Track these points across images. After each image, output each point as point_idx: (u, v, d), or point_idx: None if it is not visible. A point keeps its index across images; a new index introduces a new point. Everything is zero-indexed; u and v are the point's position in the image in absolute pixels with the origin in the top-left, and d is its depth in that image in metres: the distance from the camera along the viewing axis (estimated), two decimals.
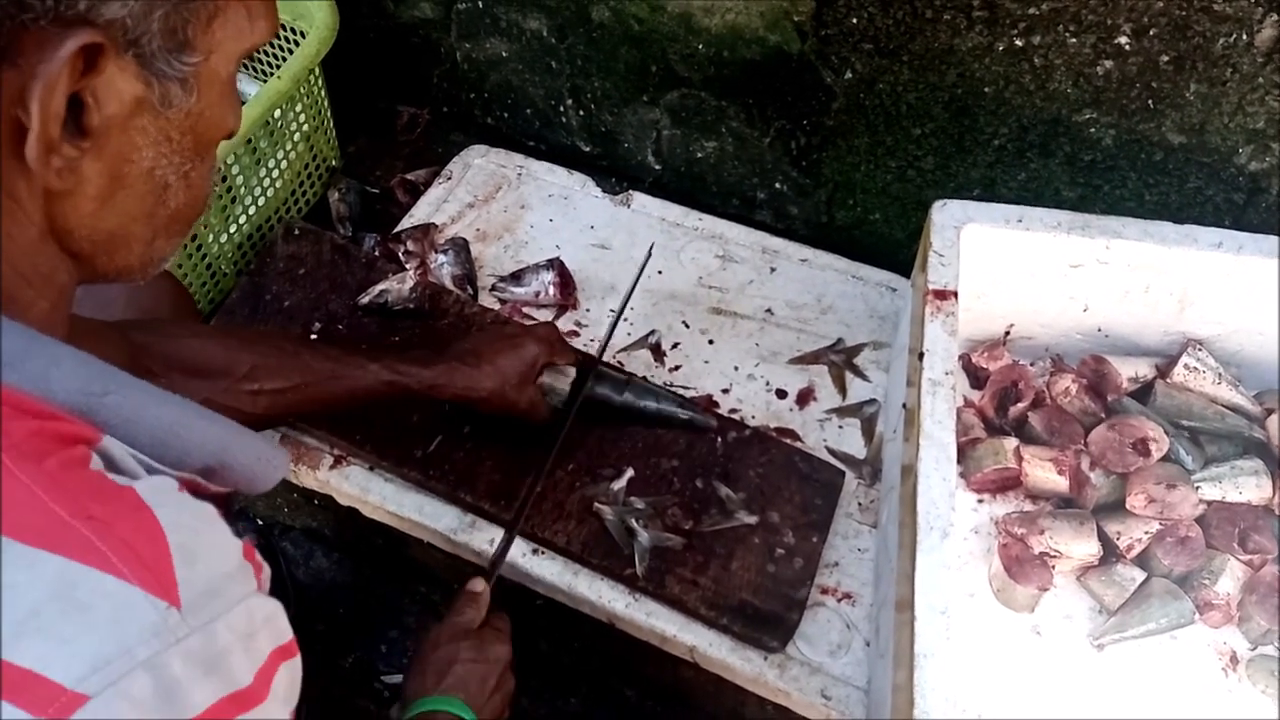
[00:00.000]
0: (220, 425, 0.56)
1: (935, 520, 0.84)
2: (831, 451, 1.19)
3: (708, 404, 1.23)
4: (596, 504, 1.10)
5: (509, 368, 1.06)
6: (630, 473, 1.13)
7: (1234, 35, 0.99)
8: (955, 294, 0.99)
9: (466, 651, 0.91)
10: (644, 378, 1.23)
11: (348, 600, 1.48)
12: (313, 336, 1.25)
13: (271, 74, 1.34)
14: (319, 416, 1.06)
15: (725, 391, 1.25)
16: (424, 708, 0.87)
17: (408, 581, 1.46)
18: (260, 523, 1.55)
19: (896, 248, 1.35)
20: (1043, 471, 1.05)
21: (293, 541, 1.53)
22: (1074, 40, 1.05)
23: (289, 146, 1.42)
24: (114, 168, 0.51)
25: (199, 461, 0.54)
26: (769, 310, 1.33)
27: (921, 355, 0.95)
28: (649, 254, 1.29)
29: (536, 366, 1.09)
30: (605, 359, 1.24)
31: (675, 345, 1.30)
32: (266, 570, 0.52)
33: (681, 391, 1.24)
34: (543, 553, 1.11)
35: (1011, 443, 1.06)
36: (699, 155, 1.43)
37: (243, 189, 1.38)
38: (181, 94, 0.51)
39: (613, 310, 1.34)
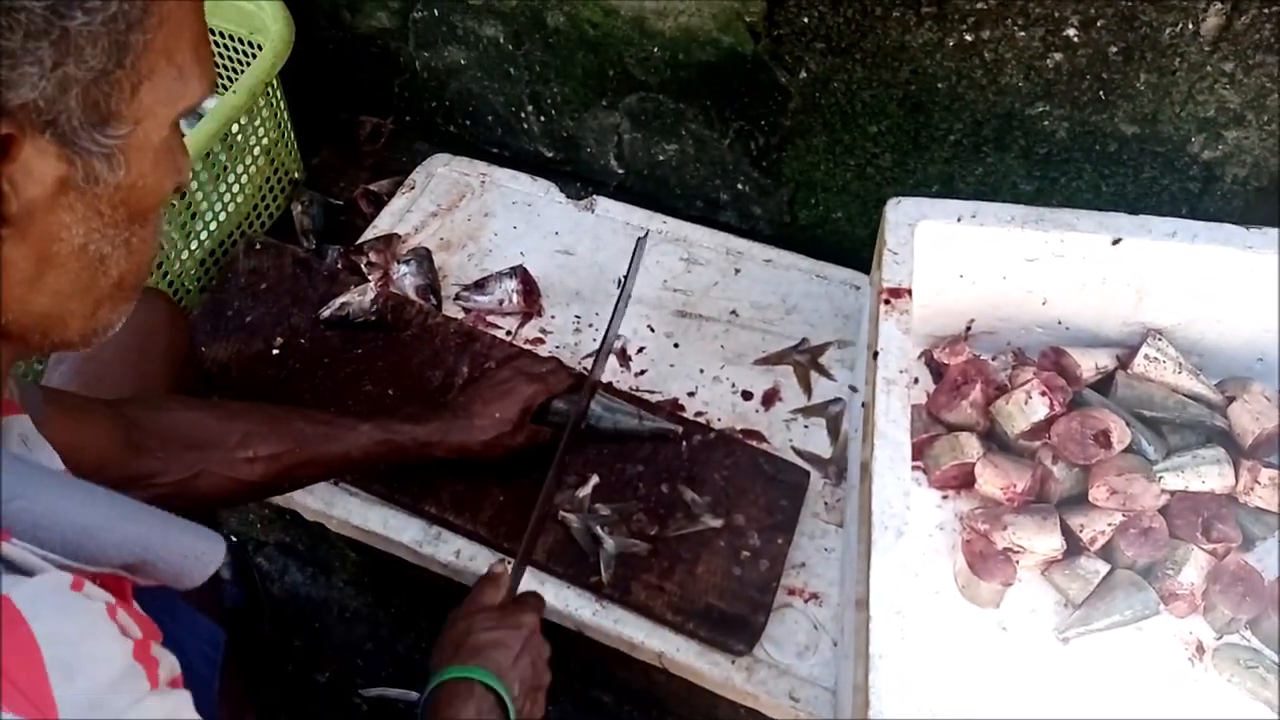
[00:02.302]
0: (144, 523, 0.54)
1: (890, 520, 0.84)
2: (797, 451, 1.19)
3: (673, 408, 1.23)
4: (562, 512, 1.10)
5: (504, 415, 1.06)
6: (595, 479, 1.13)
7: (1180, 24, 0.99)
8: (909, 292, 0.99)
9: (486, 621, 0.89)
10: (609, 383, 1.23)
11: (323, 615, 1.47)
12: (274, 352, 1.25)
13: (229, 87, 1.34)
14: (318, 480, 1.06)
15: (691, 395, 1.25)
16: (444, 677, 0.84)
17: (383, 595, 1.45)
18: (235, 539, 1.54)
19: (860, 245, 1.35)
20: (990, 489, 1.05)
21: (267, 557, 1.52)
22: (1023, 34, 1.05)
23: (249, 160, 1.42)
24: (41, 249, 0.49)
25: (118, 560, 0.52)
26: (734, 312, 1.33)
27: (876, 354, 0.95)
28: (638, 248, 1.18)
29: (533, 407, 1.08)
30: (573, 365, 1.24)
31: (641, 350, 1.30)
32: (168, 660, 0.50)
33: (647, 396, 1.24)
34: (509, 562, 1.10)
35: (970, 438, 1.06)
36: (660, 158, 1.43)
37: (203, 204, 1.37)
38: (108, 169, 0.49)
39: (578, 316, 1.33)
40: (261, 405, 1.03)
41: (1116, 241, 1.02)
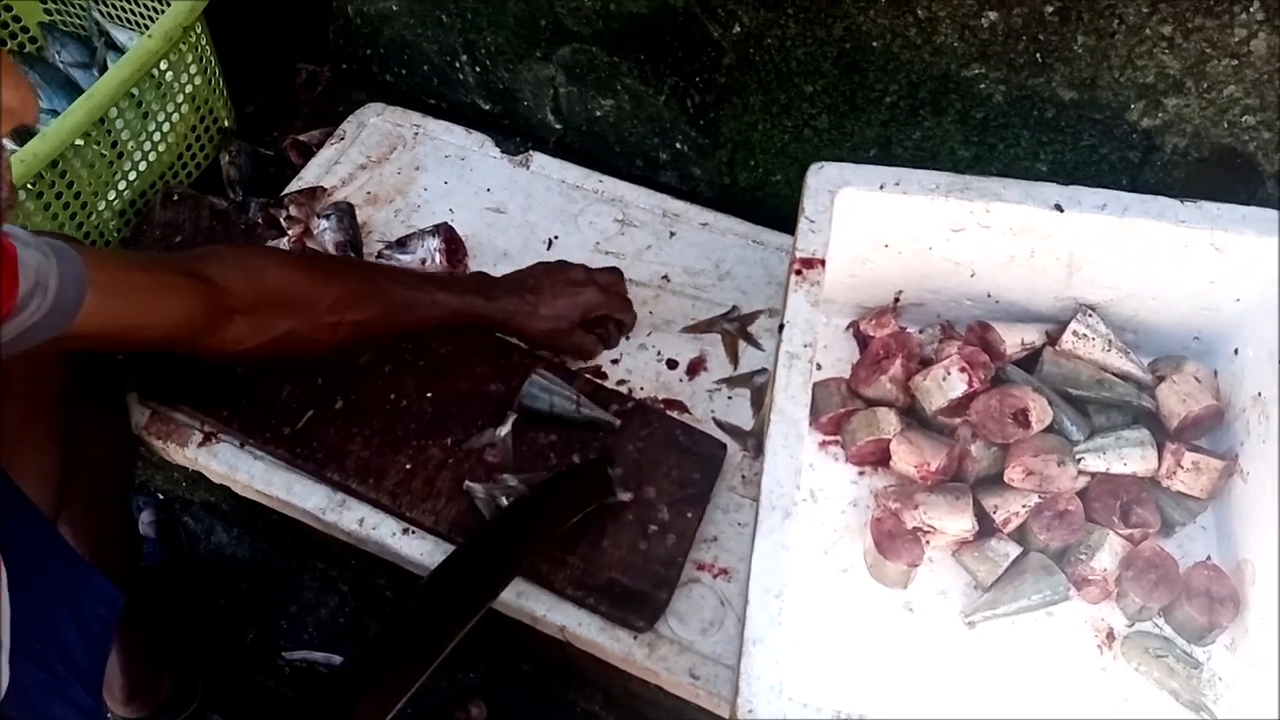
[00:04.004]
0: None
1: (778, 500, 0.81)
2: (719, 423, 1.15)
3: (595, 374, 1.19)
4: (467, 482, 1.07)
5: (565, 313, 1.11)
6: (514, 416, 1.10)
7: None
8: (823, 263, 0.94)
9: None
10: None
11: (248, 576, 1.45)
12: None
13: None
14: (386, 342, 1.12)
15: (615, 362, 1.21)
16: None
17: (307, 558, 1.43)
18: (161, 497, 1.51)
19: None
20: (905, 466, 1.02)
21: (193, 516, 1.50)
22: None
23: (172, 108, 1.37)
24: None
25: None
26: (665, 277, 1.29)
27: (782, 327, 0.91)
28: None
29: (591, 314, 1.14)
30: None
31: None
32: None
33: (569, 363, 1.20)
34: (413, 532, 1.07)
35: (887, 413, 1.03)
36: (598, 114, 1.38)
37: (130, 144, 1.32)
38: None
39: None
40: (353, 265, 1.13)
41: (1059, 208, 0.97)
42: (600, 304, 1.14)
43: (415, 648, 0.88)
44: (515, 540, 0.98)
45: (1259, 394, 0.98)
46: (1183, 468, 1.00)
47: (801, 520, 1.00)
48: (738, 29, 1.15)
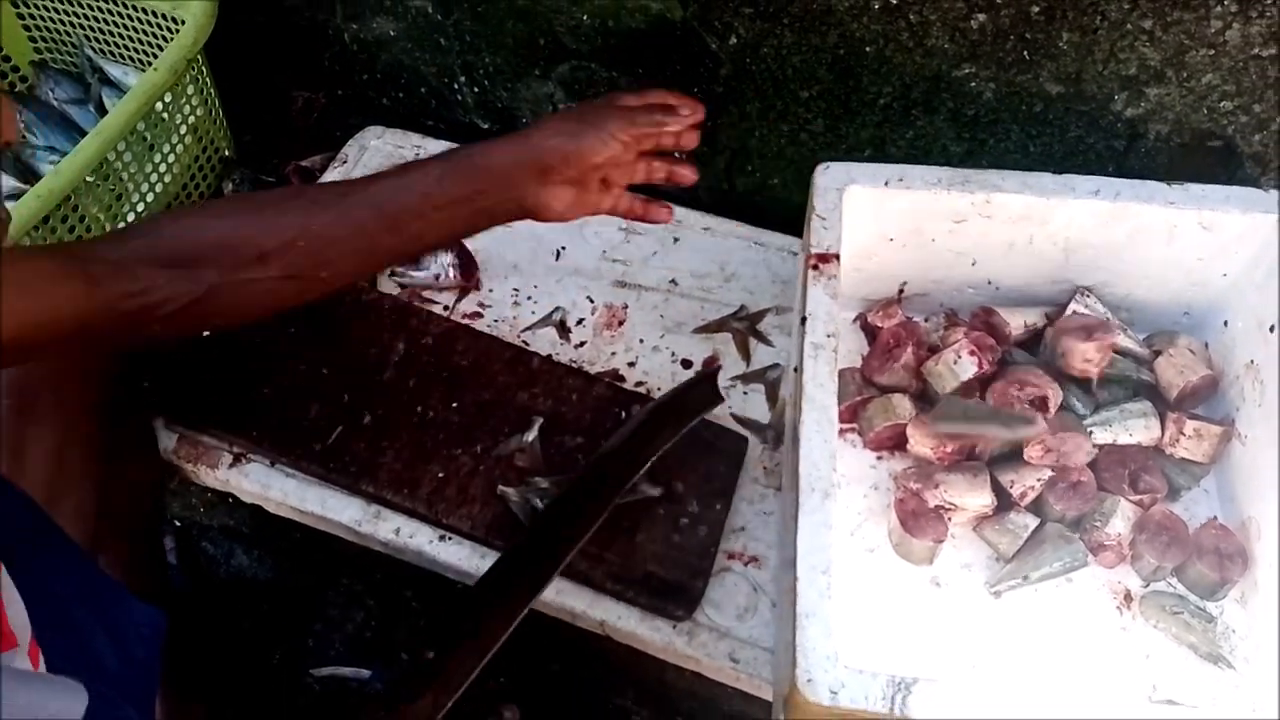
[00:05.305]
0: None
1: (816, 482, 0.85)
2: (736, 418, 1.19)
3: (613, 378, 1.23)
4: (500, 486, 1.10)
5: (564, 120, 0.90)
6: (540, 420, 1.14)
7: None
8: (837, 257, 0.99)
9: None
10: (549, 355, 1.22)
11: (271, 596, 1.46)
12: (204, 332, 1.22)
13: (152, 64, 1.30)
14: (363, 264, 0.86)
15: (631, 365, 1.25)
16: None
17: (329, 574, 1.44)
18: (178, 524, 1.52)
19: (797, 211, 1.32)
20: (922, 448, 1.06)
21: (212, 541, 1.51)
22: None
23: (175, 139, 1.39)
24: None
25: None
26: (673, 281, 1.33)
27: (804, 319, 0.95)
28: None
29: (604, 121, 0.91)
30: (513, 338, 1.24)
31: (580, 321, 1.29)
32: None
33: (587, 368, 1.24)
34: (449, 539, 1.10)
35: (902, 399, 1.07)
36: None
37: (129, 185, 1.34)
38: None
39: (516, 289, 1.32)
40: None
41: (1056, 196, 1.02)
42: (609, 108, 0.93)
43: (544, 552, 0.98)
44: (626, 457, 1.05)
45: (1251, 361, 1.04)
46: (1184, 435, 1.05)
47: None
48: (734, 40, 1.20)
